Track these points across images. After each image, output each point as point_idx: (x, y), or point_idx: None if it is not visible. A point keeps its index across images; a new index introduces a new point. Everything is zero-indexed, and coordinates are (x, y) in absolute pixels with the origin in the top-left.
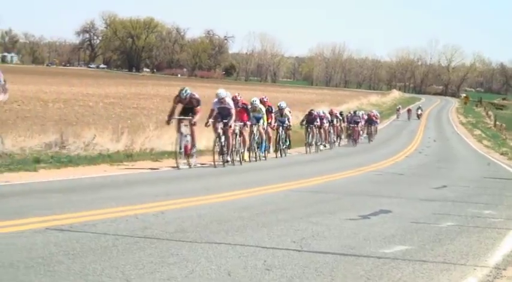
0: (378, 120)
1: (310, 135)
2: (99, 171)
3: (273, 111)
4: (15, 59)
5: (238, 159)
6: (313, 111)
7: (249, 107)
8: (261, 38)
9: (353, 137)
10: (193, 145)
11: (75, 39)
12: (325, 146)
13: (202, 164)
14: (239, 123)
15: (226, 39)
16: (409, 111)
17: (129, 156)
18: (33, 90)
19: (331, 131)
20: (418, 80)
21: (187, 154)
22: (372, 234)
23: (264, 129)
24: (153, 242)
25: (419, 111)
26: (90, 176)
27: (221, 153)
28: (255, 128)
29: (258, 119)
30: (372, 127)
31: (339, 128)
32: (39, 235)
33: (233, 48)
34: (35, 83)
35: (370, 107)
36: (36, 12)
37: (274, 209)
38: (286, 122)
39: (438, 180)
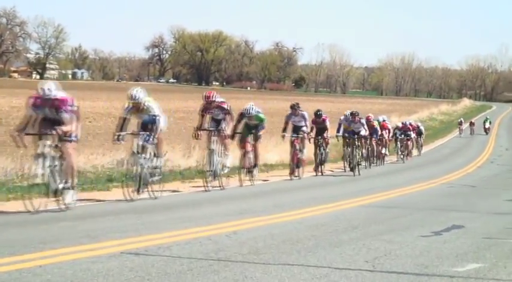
0: (412, 133)
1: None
2: (171, 189)
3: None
4: (86, 75)
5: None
6: (320, 112)
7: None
8: (330, 49)
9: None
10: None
11: (145, 54)
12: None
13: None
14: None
15: (295, 51)
16: (471, 124)
17: (200, 172)
18: (104, 106)
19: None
20: (488, 87)
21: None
22: (444, 252)
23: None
24: (227, 264)
25: (487, 125)
26: (161, 195)
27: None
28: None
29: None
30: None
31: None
32: (115, 260)
33: (302, 59)
34: (106, 99)
35: (442, 116)
36: (105, 28)
37: (346, 226)
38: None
39: (510, 192)
